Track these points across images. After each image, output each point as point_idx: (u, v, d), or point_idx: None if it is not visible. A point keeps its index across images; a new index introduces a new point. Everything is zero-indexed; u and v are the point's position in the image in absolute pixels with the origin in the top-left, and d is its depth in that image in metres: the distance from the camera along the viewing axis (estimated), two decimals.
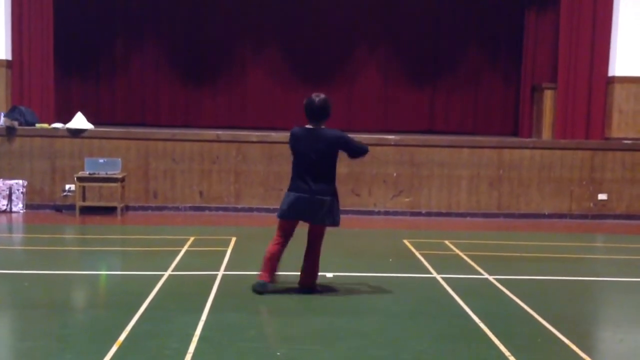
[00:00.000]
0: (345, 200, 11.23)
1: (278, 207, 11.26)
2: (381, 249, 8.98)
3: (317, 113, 6.55)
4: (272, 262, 6.65)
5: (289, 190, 6.61)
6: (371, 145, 11.44)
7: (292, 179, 6.62)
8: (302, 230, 6.79)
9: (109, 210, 11.10)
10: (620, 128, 12.34)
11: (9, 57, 12.10)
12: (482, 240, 9.76)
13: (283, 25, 14.76)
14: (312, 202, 6.46)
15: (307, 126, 6.60)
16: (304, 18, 14.72)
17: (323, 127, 6.60)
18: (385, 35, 14.87)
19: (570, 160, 11.83)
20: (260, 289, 6.55)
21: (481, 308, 6.29)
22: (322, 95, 6.61)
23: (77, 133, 11.51)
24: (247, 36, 14.80)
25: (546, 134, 12.86)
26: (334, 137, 6.54)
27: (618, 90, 12.32)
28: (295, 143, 6.60)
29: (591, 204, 11.90)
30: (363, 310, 6.23)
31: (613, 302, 7.13)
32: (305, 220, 6.61)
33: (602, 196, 11.85)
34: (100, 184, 11.11)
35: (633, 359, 5.35)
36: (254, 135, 11.86)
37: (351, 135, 6.90)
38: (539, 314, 6.15)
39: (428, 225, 11.06)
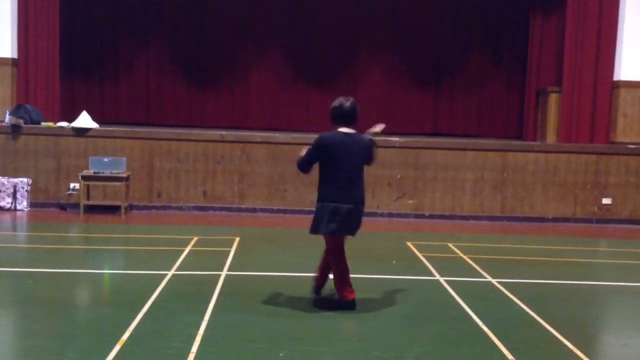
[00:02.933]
0: None
1: (281, 207, 11.51)
2: (384, 251, 8.98)
3: (352, 116, 6.23)
4: (343, 278, 6.26)
5: (328, 201, 6.11)
6: (375, 147, 11.59)
7: (329, 187, 6.15)
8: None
9: (113, 209, 11.11)
10: (625, 132, 12.33)
11: (15, 56, 12.14)
12: (486, 243, 9.75)
13: (287, 27, 14.78)
14: (355, 213, 6.16)
15: (342, 130, 6.21)
16: (308, 20, 14.75)
17: (355, 131, 6.28)
18: (389, 38, 14.89)
19: (574, 164, 11.82)
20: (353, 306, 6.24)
21: (484, 311, 6.28)
22: (351, 99, 6.30)
23: (82, 132, 11.53)
24: (251, 37, 14.83)
25: (551, 137, 12.86)
26: (368, 142, 6.33)
27: (623, 95, 12.31)
28: (333, 149, 6.11)
29: (595, 208, 11.87)
30: (366, 312, 6.23)
31: (617, 306, 7.11)
32: (348, 233, 6.26)
33: (606, 200, 11.83)
34: (105, 183, 11.13)
35: None
36: (259, 135, 11.87)
37: None
38: (542, 318, 6.14)
39: (431, 228, 11.05)
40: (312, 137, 6.45)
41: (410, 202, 11.79)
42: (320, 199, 6.19)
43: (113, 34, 14.70)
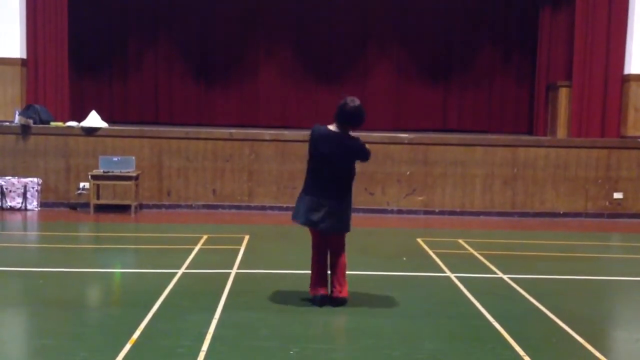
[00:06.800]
0: (359, 199, 11.22)
1: (291, 205, 11.42)
2: (395, 248, 8.95)
3: (346, 118, 6.07)
4: (314, 274, 6.34)
5: (303, 191, 6.25)
6: (384, 144, 11.61)
7: (308, 180, 6.24)
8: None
9: (123, 209, 11.13)
10: (636, 126, 12.24)
11: (24, 56, 12.17)
12: (497, 239, 9.71)
13: (296, 24, 14.76)
14: (323, 209, 6.09)
15: (331, 128, 6.13)
16: (316, 16, 14.72)
17: (349, 133, 6.15)
18: (398, 33, 14.84)
19: (585, 158, 11.74)
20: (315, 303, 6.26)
21: (495, 307, 6.25)
22: (357, 102, 6.08)
23: (91, 131, 11.55)
24: (259, 35, 14.82)
25: (561, 132, 12.79)
26: (356, 148, 6.17)
27: (634, 89, 12.22)
28: (316, 144, 6.16)
29: (607, 203, 11.80)
30: (376, 309, 6.21)
31: (629, 302, 7.06)
32: (317, 228, 6.18)
33: (617, 195, 11.76)
34: (115, 182, 11.15)
35: None
36: (267, 133, 11.86)
37: (363, 134, 6.51)
38: (554, 314, 6.10)
39: (442, 224, 11.02)
40: None
41: (420, 198, 11.76)
42: (303, 189, 6.30)
43: (121, 33, 14.72)
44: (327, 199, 6.11)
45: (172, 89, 14.79)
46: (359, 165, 6.42)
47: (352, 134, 6.26)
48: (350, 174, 6.23)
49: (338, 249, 6.32)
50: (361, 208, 11.22)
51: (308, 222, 6.21)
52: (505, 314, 6.07)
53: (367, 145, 6.35)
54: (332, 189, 6.13)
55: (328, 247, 6.32)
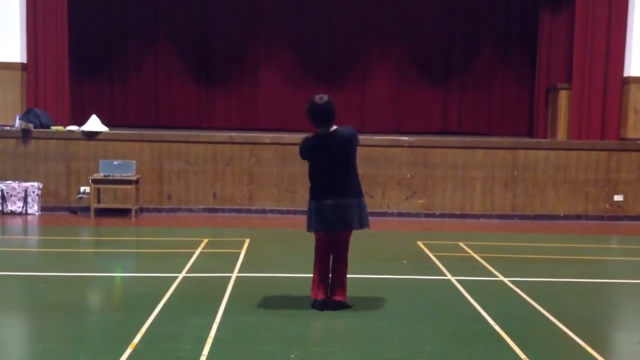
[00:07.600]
0: None
1: (291, 208, 11.51)
2: (395, 251, 8.95)
3: (325, 117, 6.07)
4: (315, 278, 6.31)
5: (314, 199, 6.18)
6: (385, 147, 11.62)
7: (314, 187, 6.22)
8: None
9: (124, 212, 11.14)
10: (636, 128, 12.25)
11: (24, 60, 12.18)
12: (497, 242, 9.71)
13: (296, 26, 14.78)
14: (341, 207, 6.09)
15: (320, 132, 6.14)
16: (316, 18, 14.74)
17: (333, 127, 6.14)
18: (399, 35, 14.85)
19: (585, 161, 11.75)
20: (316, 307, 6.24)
21: (496, 310, 6.25)
22: (325, 97, 6.08)
23: (91, 135, 11.56)
24: (259, 37, 14.84)
25: (561, 134, 12.79)
26: (348, 137, 6.13)
27: (634, 91, 12.23)
28: (312, 155, 6.19)
29: (607, 205, 11.80)
30: (377, 312, 6.21)
31: (629, 305, 7.06)
32: (336, 230, 6.19)
33: (617, 197, 11.76)
34: (115, 186, 11.16)
35: None
36: (268, 136, 11.87)
37: (363, 136, 6.49)
38: (554, 316, 6.10)
39: (442, 227, 11.02)
40: None
41: (420, 201, 11.76)
42: (310, 196, 6.25)
43: (121, 37, 14.74)
44: (341, 197, 6.11)
45: (172, 90, 14.79)
46: (359, 168, 6.41)
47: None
48: (353, 166, 6.18)
49: (344, 247, 6.31)
50: None
51: (337, 227, 6.16)
52: (506, 317, 6.07)
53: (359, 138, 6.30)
54: (344, 184, 6.13)
55: (335, 247, 6.28)
